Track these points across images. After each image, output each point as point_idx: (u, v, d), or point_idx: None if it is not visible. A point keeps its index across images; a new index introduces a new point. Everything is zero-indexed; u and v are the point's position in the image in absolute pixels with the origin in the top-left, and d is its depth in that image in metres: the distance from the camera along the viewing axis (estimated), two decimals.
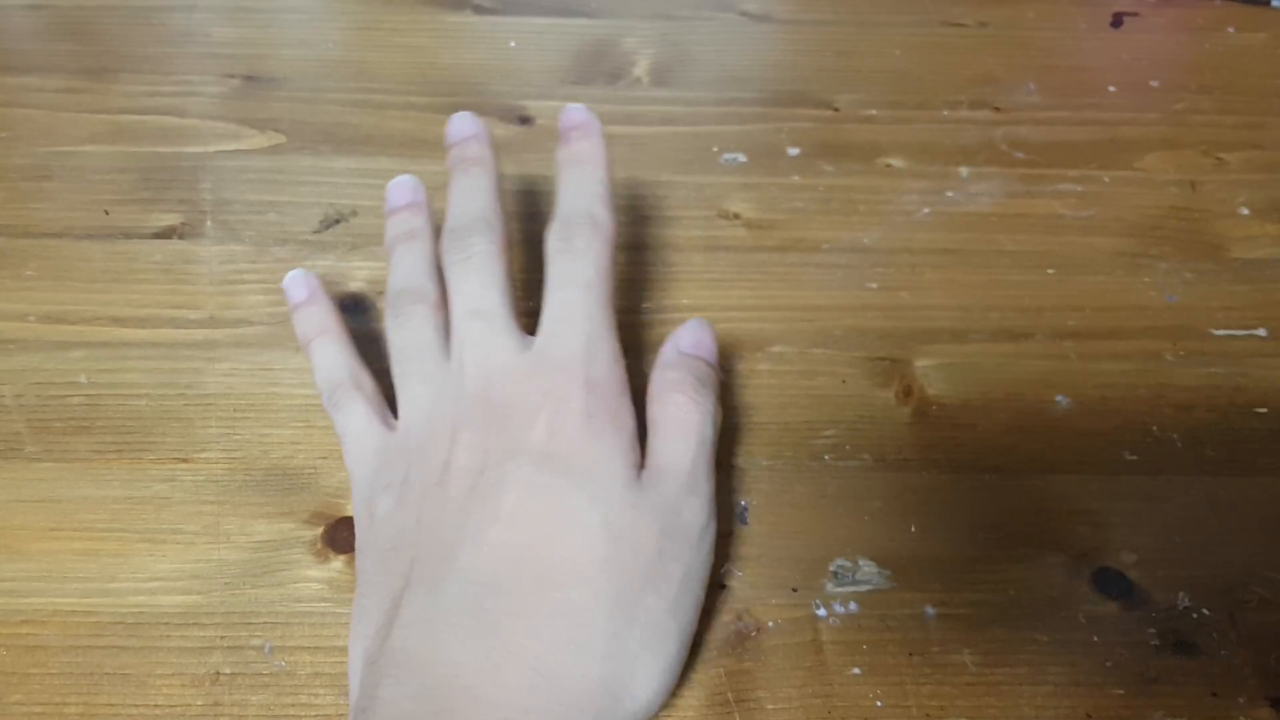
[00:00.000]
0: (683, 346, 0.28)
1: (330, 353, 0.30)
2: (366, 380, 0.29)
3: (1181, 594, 0.28)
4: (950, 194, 0.39)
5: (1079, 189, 0.39)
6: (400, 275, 0.30)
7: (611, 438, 0.26)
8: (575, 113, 0.30)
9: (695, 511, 0.26)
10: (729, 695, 0.26)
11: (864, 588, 0.28)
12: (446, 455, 0.26)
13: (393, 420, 0.29)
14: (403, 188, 0.32)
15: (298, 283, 0.31)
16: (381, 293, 0.34)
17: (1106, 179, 0.40)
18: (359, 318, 0.34)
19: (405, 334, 0.29)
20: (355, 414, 0.28)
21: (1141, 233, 0.38)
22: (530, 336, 0.28)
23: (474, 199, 0.30)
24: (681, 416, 0.27)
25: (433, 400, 0.27)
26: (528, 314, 0.28)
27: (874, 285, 0.36)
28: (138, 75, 0.42)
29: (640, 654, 0.24)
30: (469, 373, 0.27)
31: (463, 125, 0.31)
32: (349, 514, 0.29)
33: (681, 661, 0.25)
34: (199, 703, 0.26)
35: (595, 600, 0.23)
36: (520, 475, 0.25)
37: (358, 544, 0.27)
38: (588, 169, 0.29)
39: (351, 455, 0.28)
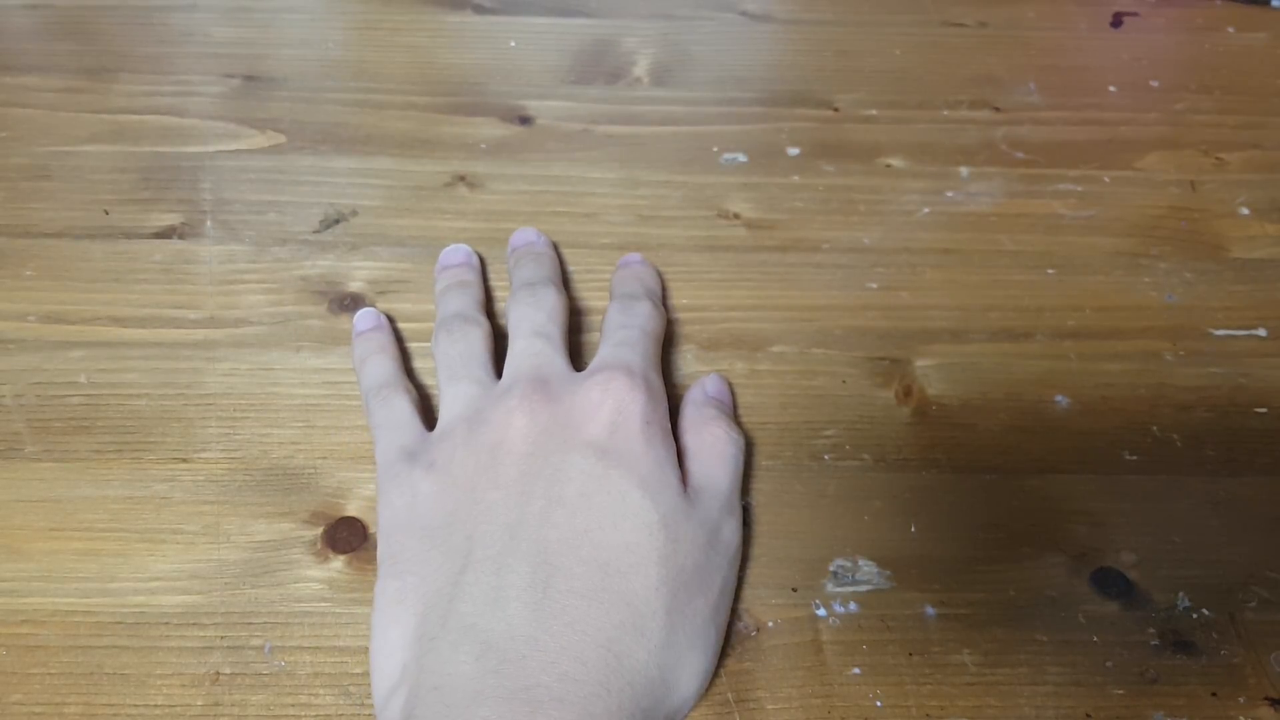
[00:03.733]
0: (709, 391, 0.31)
1: (383, 362, 0.31)
2: (413, 389, 0.30)
3: (1181, 594, 0.28)
4: (950, 194, 0.39)
5: (1079, 189, 0.39)
6: (454, 305, 0.32)
7: (664, 449, 0.27)
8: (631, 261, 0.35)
9: (732, 531, 0.27)
10: (729, 695, 0.26)
11: (864, 588, 0.28)
12: (499, 437, 0.27)
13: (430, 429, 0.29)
14: (457, 251, 0.35)
15: (368, 315, 0.33)
16: (381, 293, 0.34)
17: (1106, 179, 0.40)
18: None
19: (459, 346, 0.30)
20: (397, 407, 0.29)
21: (1141, 233, 0.38)
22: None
23: (543, 267, 0.33)
24: (719, 447, 0.29)
25: (479, 396, 0.29)
26: None
27: (874, 285, 0.36)
28: (138, 75, 0.42)
29: (688, 650, 0.24)
30: (526, 373, 0.28)
31: (526, 235, 0.35)
32: (349, 514, 0.29)
33: (714, 667, 0.26)
34: (199, 703, 0.26)
35: (655, 592, 0.24)
36: (583, 465, 0.26)
37: (388, 524, 0.27)
38: (642, 271, 0.34)
39: (386, 441, 0.28)
